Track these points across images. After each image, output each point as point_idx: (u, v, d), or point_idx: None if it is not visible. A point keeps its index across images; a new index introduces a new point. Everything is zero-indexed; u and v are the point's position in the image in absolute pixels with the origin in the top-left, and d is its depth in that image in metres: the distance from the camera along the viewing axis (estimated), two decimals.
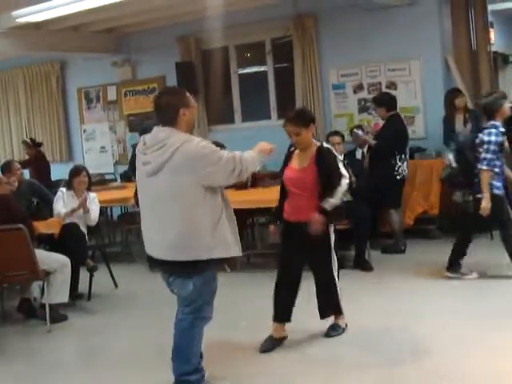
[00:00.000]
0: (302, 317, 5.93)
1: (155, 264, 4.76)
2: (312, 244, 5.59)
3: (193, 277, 4.55)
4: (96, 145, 13.08)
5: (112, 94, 12.73)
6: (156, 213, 4.56)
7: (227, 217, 4.69)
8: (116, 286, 8.14)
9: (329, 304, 5.87)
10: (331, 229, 5.74)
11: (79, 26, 11.39)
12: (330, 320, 5.92)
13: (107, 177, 11.89)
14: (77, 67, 13.18)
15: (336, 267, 5.83)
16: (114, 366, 5.65)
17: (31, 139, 11.78)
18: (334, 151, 5.74)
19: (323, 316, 5.86)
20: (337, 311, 5.91)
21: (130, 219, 10.19)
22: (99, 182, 10.69)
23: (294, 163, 5.77)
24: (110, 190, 10.24)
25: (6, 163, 8.70)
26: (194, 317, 4.66)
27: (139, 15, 10.76)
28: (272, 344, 5.66)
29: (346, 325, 5.93)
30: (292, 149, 5.85)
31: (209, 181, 4.49)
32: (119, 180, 11.32)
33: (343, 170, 5.64)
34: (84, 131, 13.23)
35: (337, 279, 5.84)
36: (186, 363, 4.69)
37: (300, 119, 5.54)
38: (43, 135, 13.60)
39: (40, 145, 11.73)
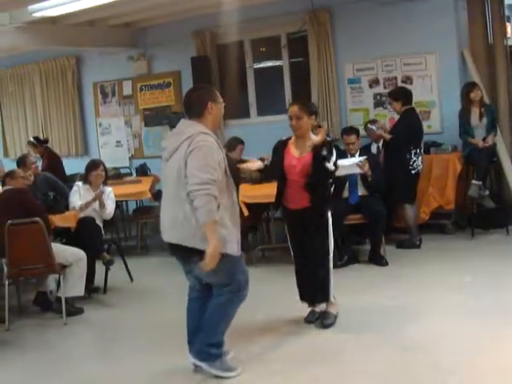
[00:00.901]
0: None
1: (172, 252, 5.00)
2: (311, 229, 5.83)
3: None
4: (112, 139, 13.11)
5: (128, 89, 12.74)
6: (168, 197, 4.83)
7: (230, 218, 4.80)
8: (131, 279, 8.18)
9: (321, 290, 5.97)
10: (329, 214, 5.86)
11: (95, 21, 11.40)
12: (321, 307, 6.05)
13: (123, 171, 11.91)
14: (93, 62, 13.20)
15: (332, 254, 5.95)
16: (129, 359, 5.67)
17: (36, 138, 11.70)
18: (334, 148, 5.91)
19: (314, 302, 6.01)
20: (328, 298, 6.00)
21: (146, 213, 10.23)
22: (115, 177, 10.71)
23: (294, 152, 5.90)
24: (125, 184, 10.27)
25: (21, 157, 8.75)
26: (232, 296, 4.89)
27: (155, 9, 10.76)
28: (313, 316, 6.06)
29: (337, 313, 6.02)
30: (283, 139, 6.09)
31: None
32: (134, 174, 11.34)
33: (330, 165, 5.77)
34: (100, 125, 13.26)
35: (331, 266, 5.94)
36: (212, 336, 4.92)
37: (305, 106, 5.90)
38: (59, 130, 13.64)
39: (46, 141, 11.67)
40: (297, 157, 5.87)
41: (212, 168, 4.56)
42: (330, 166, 5.71)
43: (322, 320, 5.96)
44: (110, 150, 13.05)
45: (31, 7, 9.46)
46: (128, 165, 12.54)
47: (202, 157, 4.57)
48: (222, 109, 4.92)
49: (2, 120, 14.64)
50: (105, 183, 8.23)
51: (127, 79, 12.66)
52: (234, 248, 4.77)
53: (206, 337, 4.93)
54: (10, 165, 9.79)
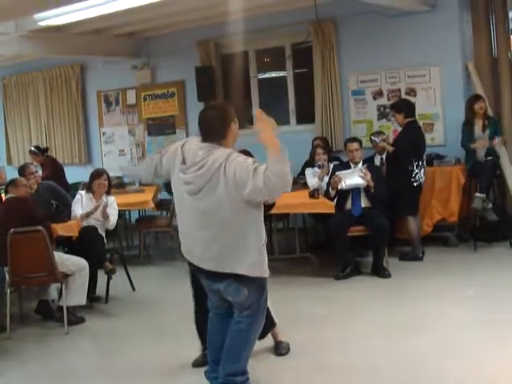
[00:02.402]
0: None
1: (204, 274, 4.69)
2: None
3: (246, 282, 4.53)
4: (115, 148, 13.12)
5: (131, 98, 12.77)
6: (205, 228, 4.51)
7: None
8: (133, 289, 8.16)
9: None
10: None
11: (100, 30, 11.43)
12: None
13: (126, 180, 11.91)
14: (97, 70, 13.23)
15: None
16: (129, 370, 5.66)
17: (36, 147, 11.69)
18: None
19: (261, 336, 5.21)
20: (273, 329, 5.64)
21: (148, 222, 10.23)
22: (118, 186, 10.70)
23: None
24: (128, 193, 10.26)
25: (22, 166, 8.75)
26: (252, 320, 4.67)
27: (159, 19, 10.79)
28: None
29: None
30: None
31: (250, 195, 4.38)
32: (137, 184, 11.33)
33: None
34: (103, 134, 13.28)
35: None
36: (235, 364, 4.68)
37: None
38: (62, 138, 13.66)
39: (47, 150, 11.66)
40: None
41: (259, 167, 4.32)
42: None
43: (279, 350, 5.65)
44: (114, 158, 13.06)
45: (36, 16, 9.48)
46: None
47: (243, 160, 4.40)
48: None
49: (5, 128, 14.66)
50: (108, 192, 8.23)
51: (131, 88, 12.69)
52: (267, 270, 4.66)
53: (229, 366, 4.67)
54: (13, 173, 9.79)
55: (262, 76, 11.76)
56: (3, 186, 8.01)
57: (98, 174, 8.24)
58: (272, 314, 5.47)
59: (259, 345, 5.80)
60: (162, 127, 12.41)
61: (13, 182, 7.39)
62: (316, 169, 9.14)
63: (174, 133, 12.28)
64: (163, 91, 12.34)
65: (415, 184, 8.53)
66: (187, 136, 11.78)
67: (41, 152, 11.29)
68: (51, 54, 11.89)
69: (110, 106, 13.14)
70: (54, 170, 11.02)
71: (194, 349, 5.36)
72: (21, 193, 7.20)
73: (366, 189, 8.12)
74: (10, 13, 8.90)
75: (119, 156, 13.04)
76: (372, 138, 9.17)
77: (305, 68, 11.25)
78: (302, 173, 9.58)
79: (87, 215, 7.87)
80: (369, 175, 8.03)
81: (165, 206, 10.22)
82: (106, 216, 7.88)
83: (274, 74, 11.86)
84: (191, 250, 4.65)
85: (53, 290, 7.29)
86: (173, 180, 4.68)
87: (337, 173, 8.18)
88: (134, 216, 10.83)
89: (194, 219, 4.55)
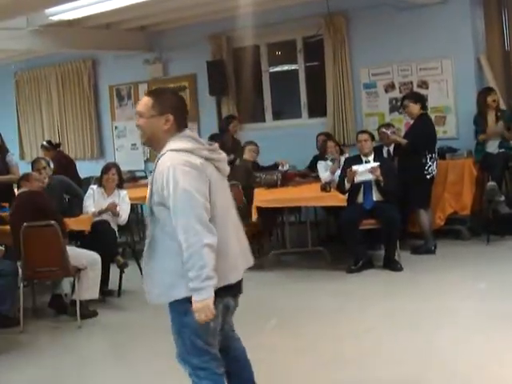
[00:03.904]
0: None
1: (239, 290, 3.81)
2: None
3: None
4: (127, 142, 13.14)
5: (143, 92, 12.78)
6: (233, 220, 3.81)
7: None
8: None
9: None
10: None
11: (111, 24, 11.45)
12: None
13: (138, 174, 11.93)
14: (108, 65, 13.25)
15: None
16: (142, 363, 5.68)
17: (48, 142, 11.71)
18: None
19: None
20: None
21: None
22: (130, 179, 10.73)
23: None
24: (140, 187, 10.26)
25: (33, 161, 8.77)
26: None
27: (171, 13, 10.79)
28: None
29: None
30: None
31: None
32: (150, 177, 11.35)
33: None
34: (115, 128, 13.30)
35: None
36: None
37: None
38: (75, 132, 13.69)
39: (59, 145, 11.67)
40: None
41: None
42: None
43: None
44: (126, 152, 13.09)
45: (48, 10, 9.50)
46: (143, 168, 12.56)
47: None
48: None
49: (18, 123, 14.70)
50: (120, 186, 8.25)
51: (143, 82, 12.69)
52: None
53: None
54: (26, 168, 9.82)
55: (273, 70, 11.75)
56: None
57: (106, 169, 8.26)
58: None
59: (272, 337, 5.83)
60: None
61: (25, 177, 7.43)
62: (328, 162, 9.13)
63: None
64: (175, 85, 12.33)
65: (428, 177, 8.51)
66: (199, 129, 11.80)
67: (53, 147, 11.30)
68: (63, 49, 11.91)
69: (121, 101, 13.16)
70: (66, 164, 11.03)
71: None
72: (33, 187, 7.23)
73: (377, 182, 8.11)
74: (22, 8, 8.93)
75: (131, 150, 13.05)
76: (383, 130, 9.13)
77: (316, 61, 11.23)
78: (312, 166, 9.59)
79: (99, 213, 7.89)
80: (378, 171, 8.01)
81: None
82: (116, 213, 7.90)
83: (285, 68, 11.85)
84: (237, 263, 3.73)
85: (65, 284, 7.32)
86: (214, 192, 3.60)
87: (353, 167, 8.15)
88: (147, 209, 10.82)
89: (235, 218, 3.82)
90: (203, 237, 3.41)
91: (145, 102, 3.70)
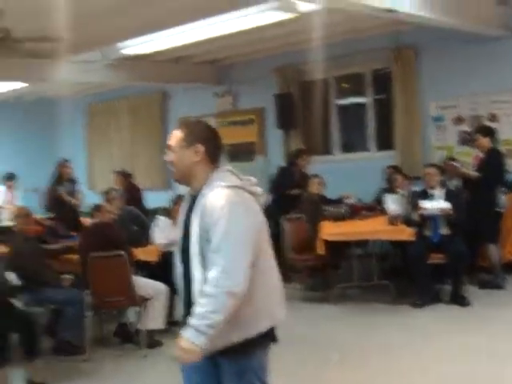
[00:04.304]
0: None
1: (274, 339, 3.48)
2: None
3: None
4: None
5: (212, 124, 12.91)
6: (273, 261, 3.50)
7: None
8: None
9: None
10: None
11: (181, 58, 11.66)
12: None
13: None
14: (178, 97, 13.47)
15: None
16: None
17: (122, 170, 11.93)
18: None
19: None
20: None
21: None
22: None
23: None
24: None
25: (105, 192, 8.95)
26: None
27: (239, 47, 10.94)
28: None
29: None
30: None
31: None
32: None
33: None
34: None
35: None
36: None
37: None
38: (143, 162, 13.93)
39: (130, 175, 11.86)
40: None
41: None
42: None
43: None
44: None
45: (120, 44, 9.73)
46: None
47: None
48: None
49: (89, 153, 15.04)
50: None
51: (212, 115, 12.84)
52: None
53: None
54: (95, 198, 10.00)
55: (341, 102, 11.76)
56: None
57: (177, 200, 8.34)
58: None
59: (334, 371, 5.78)
60: (239, 154, 12.49)
61: (97, 208, 7.62)
62: (397, 196, 9.07)
63: (252, 159, 12.35)
64: (243, 118, 12.45)
65: (498, 210, 8.39)
66: (268, 161, 11.86)
67: (125, 176, 11.53)
68: (135, 82, 12.18)
69: None
70: (134, 195, 11.23)
71: None
72: (104, 218, 7.40)
73: (445, 215, 8.02)
74: (96, 42, 9.23)
75: None
76: (452, 163, 9.03)
77: (385, 94, 11.21)
78: (379, 199, 9.53)
79: (167, 247, 7.96)
80: (449, 212, 7.95)
81: None
82: None
83: (353, 100, 11.84)
84: (276, 308, 3.45)
85: (131, 313, 7.40)
86: (260, 231, 3.38)
87: (422, 204, 8.07)
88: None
89: (273, 259, 3.51)
90: (236, 284, 3.14)
91: (175, 135, 3.48)
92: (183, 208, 3.54)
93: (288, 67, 11.63)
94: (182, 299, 3.52)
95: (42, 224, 8.95)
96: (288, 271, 8.78)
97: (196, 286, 3.28)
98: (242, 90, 12.45)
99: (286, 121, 11.54)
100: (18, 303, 6.66)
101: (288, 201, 9.70)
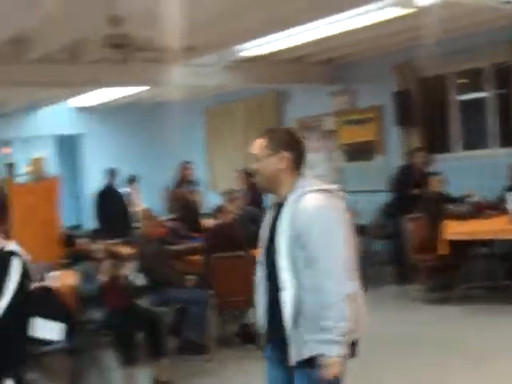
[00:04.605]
0: None
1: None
2: None
3: None
4: (314, 174, 13.25)
5: (329, 124, 12.88)
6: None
7: None
8: None
9: None
10: None
11: (298, 58, 11.67)
12: None
13: None
14: (294, 98, 13.48)
15: None
16: None
17: (246, 169, 12.07)
18: None
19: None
20: None
21: None
22: None
23: None
24: None
25: (227, 192, 9.08)
26: None
27: (356, 45, 10.86)
28: None
29: None
30: None
31: None
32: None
33: None
34: None
35: None
36: None
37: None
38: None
39: (252, 175, 11.94)
40: None
41: None
42: None
43: None
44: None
45: (237, 47, 9.85)
46: None
47: None
48: None
49: (209, 155, 15.27)
50: None
51: (328, 114, 12.79)
52: None
53: None
54: (217, 199, 10.15)
55: (461, 98, 11.47)
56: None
57: None
58: None
59: (455, 374, 5.66)
60: (359, 153, 12.40)
61: (219, 209, 7.80)
62: None
63: (371, 158, 12.24)
64: (360, 117, 12.35)
65: None
66: (387, 160, 11.74)
67: (247, 175, 11.69)
68: (252, 84, 12.29)
69: (308, 133, 13.32)
70: (256, 194, 11.35)
71: None
72: (226, 219, 7.55)
73: None
74: (214, 46, 9.39)
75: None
76: None
77: (506, 89, 10.86)
78: (503, 198, 9.26)
79: None
80: None
81: None
82: None
83: (473, 96, 11.54)
84: (361, 318, 3.37)
85: (252, 314, 7.47)
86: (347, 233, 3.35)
87: None
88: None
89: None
90: (346, 286, 3.15)
91: (259, 143, 3.48)
92: (268, 215, 3.55)
93: (406, 64, 11.44)
94: (260, 305, 3.57)
95: (165, 225, 9.17)
96: (409, 272, 8.68)
97: (287, 292, 3.26)
98: (358, 88, 12.32)
99: (405, 119, 11.36)
100: (143, 303, 6.84)
101: (409, 200, 9.57)
